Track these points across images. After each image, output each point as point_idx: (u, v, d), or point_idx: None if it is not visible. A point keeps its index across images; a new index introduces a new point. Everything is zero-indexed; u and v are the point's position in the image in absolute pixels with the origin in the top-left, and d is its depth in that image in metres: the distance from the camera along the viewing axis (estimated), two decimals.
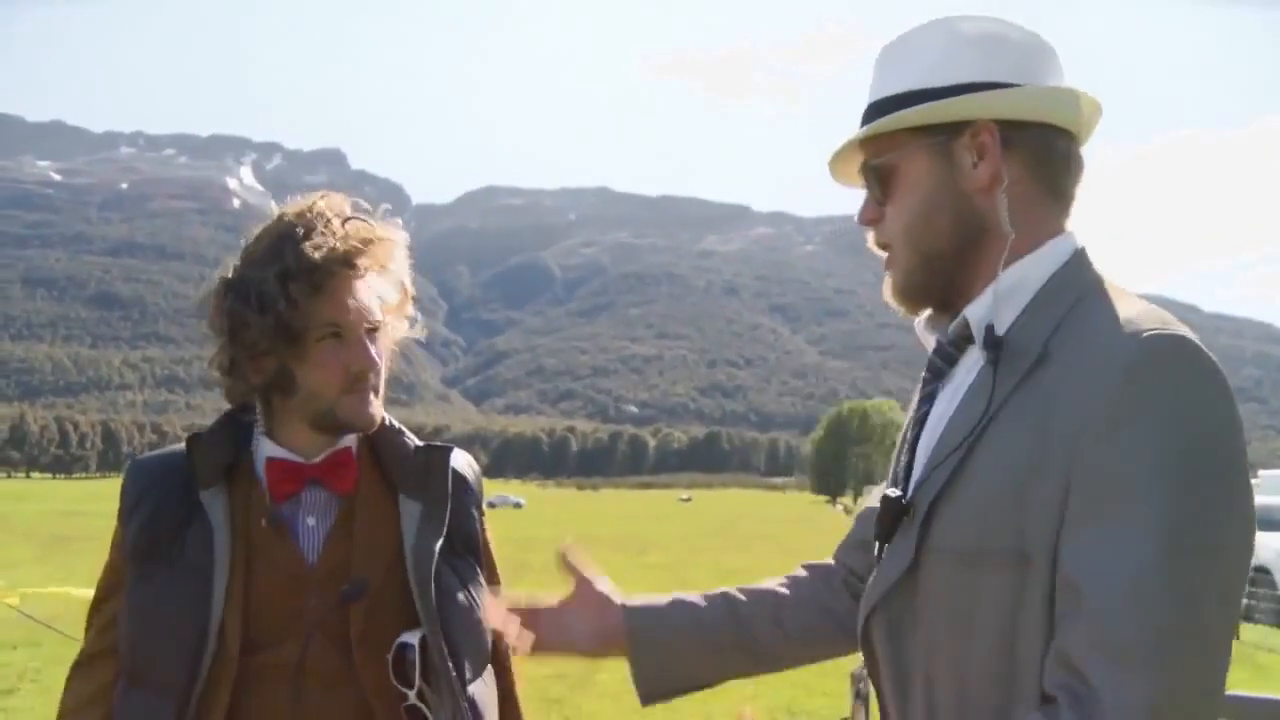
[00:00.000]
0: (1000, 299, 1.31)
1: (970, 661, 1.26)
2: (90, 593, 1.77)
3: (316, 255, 1.66)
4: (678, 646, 1.63)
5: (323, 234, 1.69)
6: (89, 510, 37.79)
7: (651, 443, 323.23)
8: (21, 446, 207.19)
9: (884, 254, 1.40)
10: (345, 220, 1.73)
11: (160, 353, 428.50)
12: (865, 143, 1.41)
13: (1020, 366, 1.26)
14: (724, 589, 1.68)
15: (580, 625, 1.64)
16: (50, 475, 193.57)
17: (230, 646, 1.65)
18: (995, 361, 1.27)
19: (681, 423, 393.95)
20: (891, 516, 1.33)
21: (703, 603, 1.66)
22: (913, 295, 1.40)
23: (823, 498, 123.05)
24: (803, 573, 1.74)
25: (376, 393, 1.78)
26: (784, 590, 1.70)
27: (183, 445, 1.79)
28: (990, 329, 1.29)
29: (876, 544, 1.39)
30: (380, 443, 1.86)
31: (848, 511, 74.00)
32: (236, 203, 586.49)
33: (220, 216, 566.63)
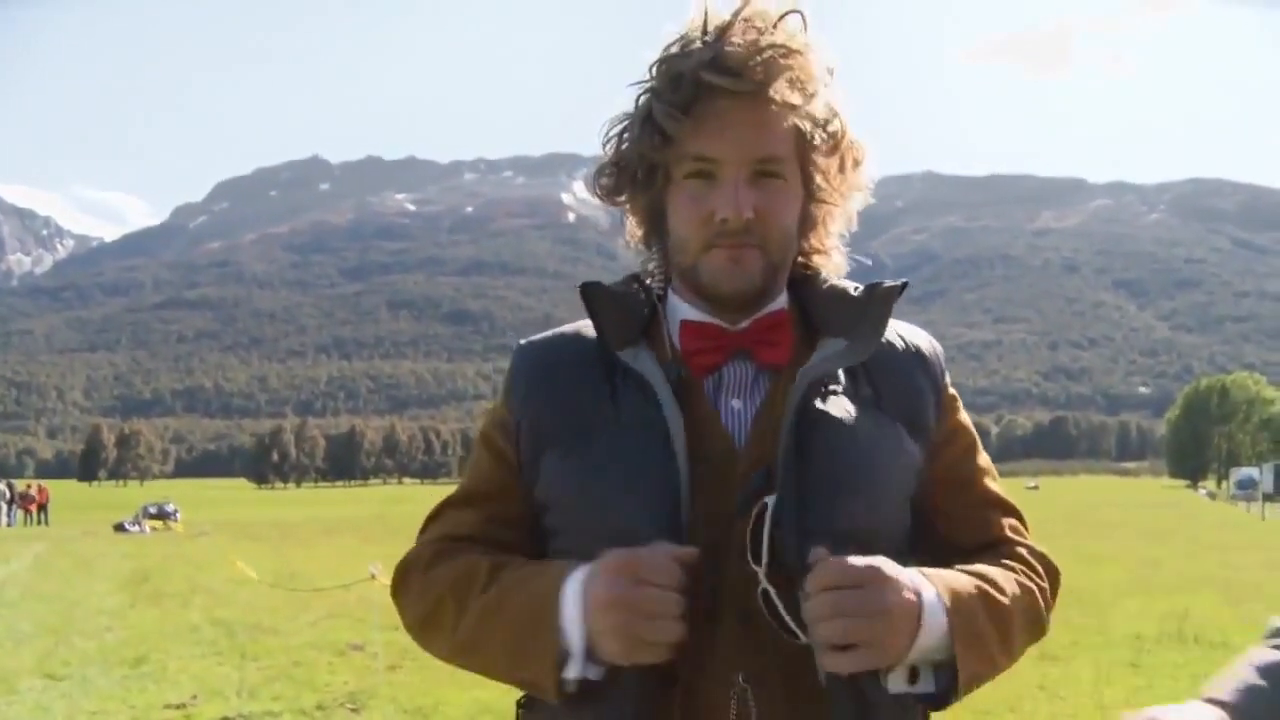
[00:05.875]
0: None
1: None
2: None
3: (686, 65, 1.27)
4: None
5: (707, 41, 1.28)
6: None
7: (994, 430, 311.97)
8: (393, 455, 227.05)
9: None
10: (745, 27, 1.27)
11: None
12: None
13: None
14: None
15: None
16: (418, 480, 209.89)
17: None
18: None
19: (1024, 408, 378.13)
20: None
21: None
22: None
23: (1181, 481, 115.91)
24: None
25: (766, 251, 1.32)
26: None
27: (569, 326, 1.43)
28: None
29: None
30: (810, 298, 1.42)
31: (1212, 496, 68.69)
32: (571, 216, 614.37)
33: (557, 230, 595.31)
